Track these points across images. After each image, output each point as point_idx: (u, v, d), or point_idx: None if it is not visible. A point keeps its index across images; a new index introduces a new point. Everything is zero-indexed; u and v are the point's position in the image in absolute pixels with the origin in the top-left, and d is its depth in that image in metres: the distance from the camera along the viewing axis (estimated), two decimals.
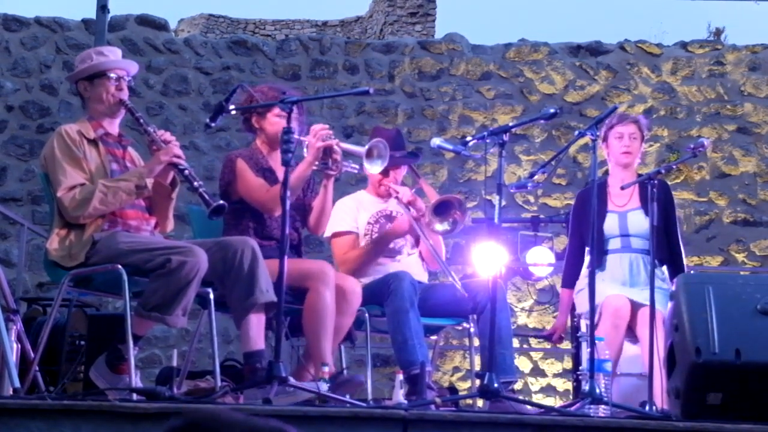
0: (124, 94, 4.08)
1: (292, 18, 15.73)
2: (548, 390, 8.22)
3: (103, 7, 7.67)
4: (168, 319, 3.71)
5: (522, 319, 8.22)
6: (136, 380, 3.74)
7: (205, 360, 6.65)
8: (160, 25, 8.95)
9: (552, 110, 3.96)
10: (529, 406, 3.98)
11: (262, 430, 1.47)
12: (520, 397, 4.95)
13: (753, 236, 8.51)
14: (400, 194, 4.69)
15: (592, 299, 3.83)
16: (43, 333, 3.93)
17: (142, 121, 4.05)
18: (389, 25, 13.89)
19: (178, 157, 3.95)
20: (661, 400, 3.92)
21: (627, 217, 4.68)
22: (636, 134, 4.73)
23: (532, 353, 8.25)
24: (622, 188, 4.58)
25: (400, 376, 4.05)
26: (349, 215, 4.75)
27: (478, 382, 3.66)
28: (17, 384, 3.59)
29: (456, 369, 8.19)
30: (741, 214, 8.55)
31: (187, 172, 3.94)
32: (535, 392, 8.18)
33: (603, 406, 3.63)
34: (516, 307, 8.02)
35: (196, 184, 3.88)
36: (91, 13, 8.03)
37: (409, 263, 4.68)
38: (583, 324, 4.66)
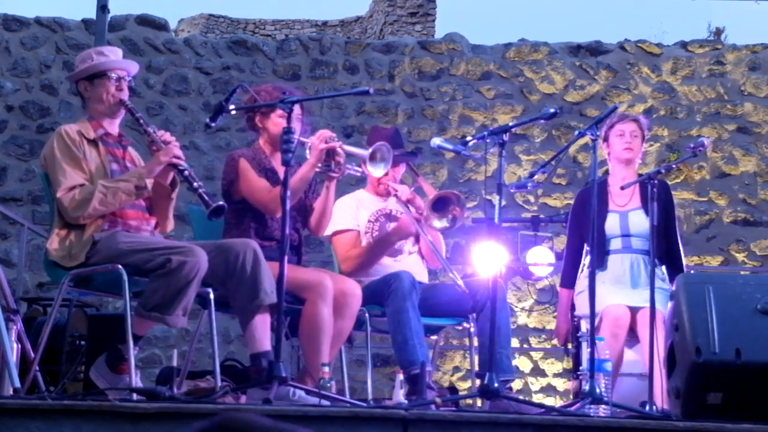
0: (125, 94, 4.08)
1: (292, 18, 15.74)
2: (548, 390, 8.21)
3: (103, 7, 7.66)
4: (168, 319, 3.71)
5: (522, 319, 8.21)
6: (136, 380, 3.74)
7: (205, 360, 6.64)
8: (160, 25, 8.94)
9: (552, 110, 3.96)
10: (529, 406, 3.98)
11: None
12: (520, 397, 4.95)
13: (753, 236, 8.50)
14: (399, 192, 4.69)
15: (592, 299, 3.83)
16: (44, 333, 3.93)
17: (142, 121, 4.05)
18: (389, 25, 13.89)
19: (178, 157, 3.95)
20: (661, 400, 3.92)
21: (628, 217, 4.67)
22: (637, 132, 4.72)
23: (532, 353, 8.25)
24: (622, 188, 4.57)
25: (401, 376, 4.06)
26: (349, 213, 4.75)
27: (478, 381, 3.67)
28: (17, 384, 3.59)
29: (456, 369, 8.18)
30: (741, 214, 8.54)
31: (186, 172, 3.93)
32: (535, 392, 8.18)
33: (603, 406, 3.64)
34: (516, 307, 8.02)
35: (195, 184, 3.87)
36: (91, 13, 8.02)
37: (410, 263, 4.68)
38: (583, 324, 4.67)
